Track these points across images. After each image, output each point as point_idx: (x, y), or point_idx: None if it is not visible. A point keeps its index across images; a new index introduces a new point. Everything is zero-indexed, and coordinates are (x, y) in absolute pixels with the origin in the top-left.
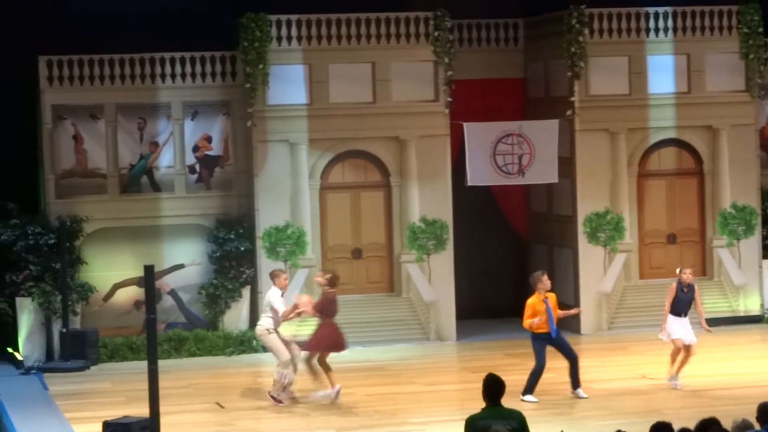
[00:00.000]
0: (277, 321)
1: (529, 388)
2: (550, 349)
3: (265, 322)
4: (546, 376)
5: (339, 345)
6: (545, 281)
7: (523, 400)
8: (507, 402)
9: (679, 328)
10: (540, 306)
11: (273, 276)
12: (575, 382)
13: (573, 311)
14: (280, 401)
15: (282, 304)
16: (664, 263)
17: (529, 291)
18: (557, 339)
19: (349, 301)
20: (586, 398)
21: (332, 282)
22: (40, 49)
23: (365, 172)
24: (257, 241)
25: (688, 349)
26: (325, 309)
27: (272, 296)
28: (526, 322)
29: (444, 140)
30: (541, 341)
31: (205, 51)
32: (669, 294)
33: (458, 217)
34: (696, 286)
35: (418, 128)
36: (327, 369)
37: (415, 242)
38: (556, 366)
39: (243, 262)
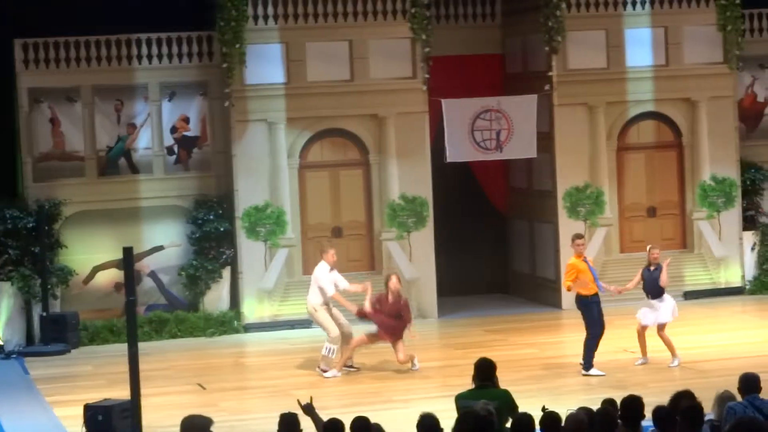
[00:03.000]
0: (326, 297)
1: (590, 362)
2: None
3: (312, 299)
4: (528, 351)
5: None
6: (577, 244)
7: (587, 375)
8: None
9: (645, 312)
10: (582, 265)
11: (321, 251)
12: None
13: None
14: (326, 371)
15: (329, 282)
16: (645, 236)
17: (510, 266)
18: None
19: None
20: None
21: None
22: (16, 32)
23: (344, 151)
24: (237, 222)
25: (658, 330)
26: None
27: (319, 273)
28: (567, 284)
29: (422, 117)
30: (592, 305)
31: (182, 31)
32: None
33: (438, 194)
34: (664, 264)
35: (396, 105)
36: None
37: (395, 220)
38: (538, 341)
39: (223, 243)
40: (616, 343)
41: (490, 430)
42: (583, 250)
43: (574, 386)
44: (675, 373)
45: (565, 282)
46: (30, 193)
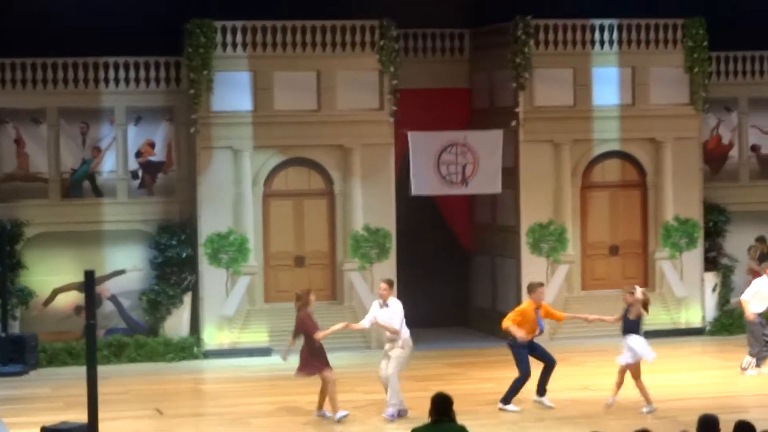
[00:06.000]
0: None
1: (509, 397)
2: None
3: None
4: (486, 386)
5: None
6: (539, 292)
7: (502, 409)
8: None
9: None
10: (531, 314)
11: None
12: (542, 389)
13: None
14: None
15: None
16: (607, 275)
17: (471, 300)
18: (536, 345)
19: (290, 309)
20: (552, 407)
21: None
22: None
23: (309, 180)
24: (199, 248)
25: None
26: None
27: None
28: (507, 323)
29: (388, 149)
30: (522, 348)
31: (150, 56)
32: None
33: (401, 227)
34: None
35: (362, 137)
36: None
37: (358, 251)
38: (497, 376)
39: (184, 269)
40: (577, 380)
41: None
42: (542, 299)
43: (535, 422)
44: (634, 413)
45: (505, 321)
46: None
